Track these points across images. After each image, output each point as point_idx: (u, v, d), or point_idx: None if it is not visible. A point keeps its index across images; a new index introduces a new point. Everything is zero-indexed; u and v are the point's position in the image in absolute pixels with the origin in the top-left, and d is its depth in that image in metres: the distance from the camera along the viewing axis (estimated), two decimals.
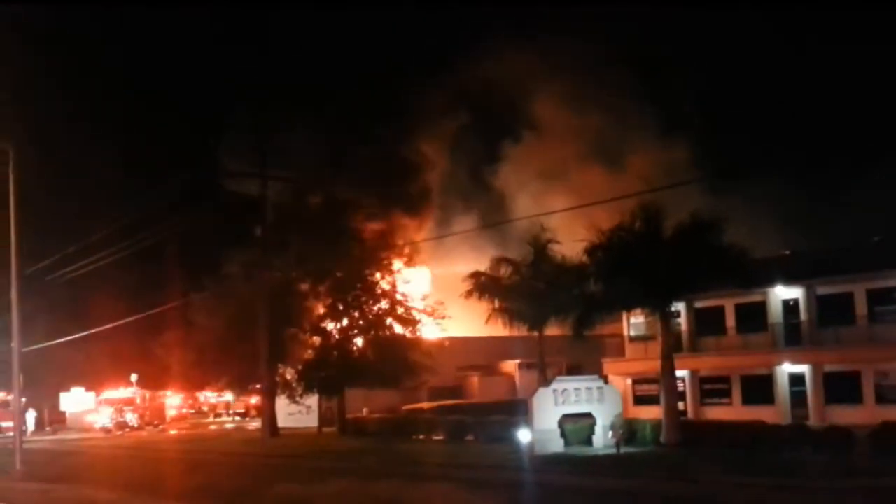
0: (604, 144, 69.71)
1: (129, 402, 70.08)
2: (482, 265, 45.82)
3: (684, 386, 43.87)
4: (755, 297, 42.18)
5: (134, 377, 71.10)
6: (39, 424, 69.20)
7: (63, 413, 73.49)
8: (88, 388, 72.55)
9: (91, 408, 71.59)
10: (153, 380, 70.67)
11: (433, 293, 53.68)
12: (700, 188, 49.18)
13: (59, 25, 75.18)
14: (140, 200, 51.16)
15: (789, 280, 41.44)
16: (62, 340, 56.72)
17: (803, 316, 41.52)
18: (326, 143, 50.73)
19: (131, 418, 68.60)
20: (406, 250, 52.40)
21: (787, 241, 52.21)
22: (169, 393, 76.53)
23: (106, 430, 65.56)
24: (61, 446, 52.13)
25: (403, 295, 52.65)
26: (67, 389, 72.75)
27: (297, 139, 49.27)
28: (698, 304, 44.46)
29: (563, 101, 69.17)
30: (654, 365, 38.22)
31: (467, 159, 71.70)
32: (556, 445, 33.81)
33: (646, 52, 69.21)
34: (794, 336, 41.86)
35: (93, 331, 54.67)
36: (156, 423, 71.35)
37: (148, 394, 72.75)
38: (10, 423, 48.62)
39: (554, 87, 69.12)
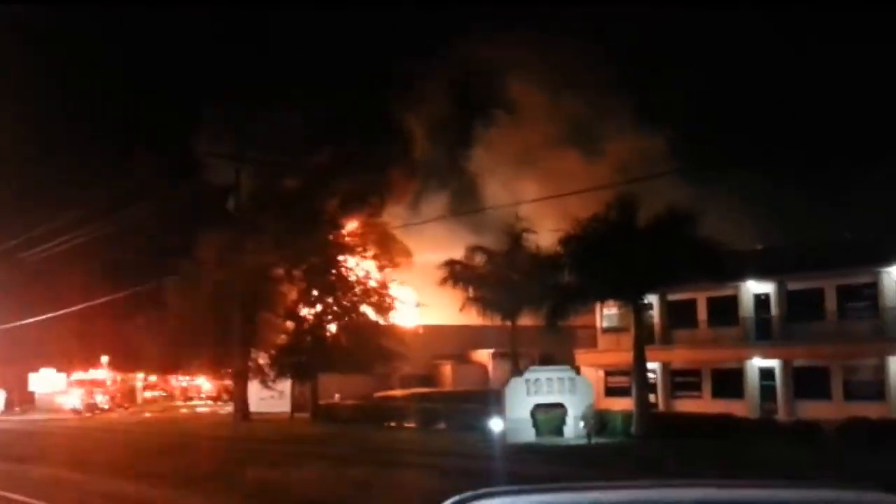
0: (581, 131, 69.82)
1: (100, 383, 69.75)
2: (455, 248, 45.93)
3: (656, 378, 44.16)
4: (727, 291, 42.44)
5: (105, 359, 70.73)
6: (8, 405, 68.71)
7: (32, 394, 72.95)
8: (59, 369, 72.07)
9: (61, 389, 71.12)
10: (125, 362, 70.38)
11: (407, 279, 53.60)
12: (679, 178, 49.41)
13: (59, 25, 74.63)
14: (116, 181, 50.93)
15: (761, 275, 41.72)
16: (32, 320, 56.23)
17: (774, 311, 41.82)
18: (302, 127, 50.42)
19: (102, 400, 68.30)
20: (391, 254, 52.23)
21: (766, 232, 52.48)
22: (140, 375, 76.25)
23: (76, 412, 65.14)
24: (31, 427, 51.75)
25: (379, 282, 52.65)
26: (37, 370, 72.19)
27: (274, 125, 49.02)
28: (671, 297, 44.67)
29: (541, 89, 69.19)
30: (626, 357, 38.42)
31: (443, 143, 71.52)
32: (528, 435, 33.96)
33: (644, 50, 69.66)
34: (764, 330, 42.16)
35: (64, 311, 54.29)
36: (126, 405, 71.07)
37: (119, 376, 72.42)
38: None
39: (532, 76, 69.12)
